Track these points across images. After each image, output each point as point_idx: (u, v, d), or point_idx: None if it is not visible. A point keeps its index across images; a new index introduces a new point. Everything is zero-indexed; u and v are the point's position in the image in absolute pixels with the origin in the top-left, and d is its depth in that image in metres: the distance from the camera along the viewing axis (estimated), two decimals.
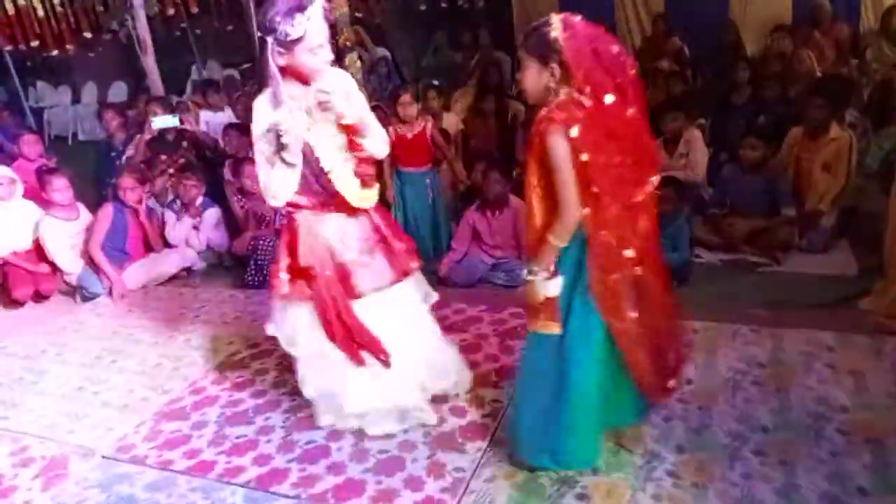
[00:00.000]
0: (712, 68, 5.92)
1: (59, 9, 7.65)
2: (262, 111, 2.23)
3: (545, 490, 2.15)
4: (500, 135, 5.43)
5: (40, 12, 7.91)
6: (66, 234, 4.44)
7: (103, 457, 2.64)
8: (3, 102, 7.90)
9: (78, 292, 4.37)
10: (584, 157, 1.77)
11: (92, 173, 5.74)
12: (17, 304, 4.36)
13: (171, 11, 7.53)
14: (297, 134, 2.18)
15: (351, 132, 2.30)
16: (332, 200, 2.35)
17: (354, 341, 2.36)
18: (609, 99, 1.78)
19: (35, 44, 8.10)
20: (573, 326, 1.96)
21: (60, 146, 9.03)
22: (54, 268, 4.46)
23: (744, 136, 4.04)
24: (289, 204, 2.33)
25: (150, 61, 6.11)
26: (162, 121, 5.05)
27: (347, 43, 5.60)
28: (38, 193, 4.71)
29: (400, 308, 2.46)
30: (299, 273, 2.35)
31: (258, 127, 2.24)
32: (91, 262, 4.33)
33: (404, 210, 4.25)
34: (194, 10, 7.46)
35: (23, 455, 2.70)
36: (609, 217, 1.85)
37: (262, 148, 2.25)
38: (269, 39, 2.09)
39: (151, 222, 4.60)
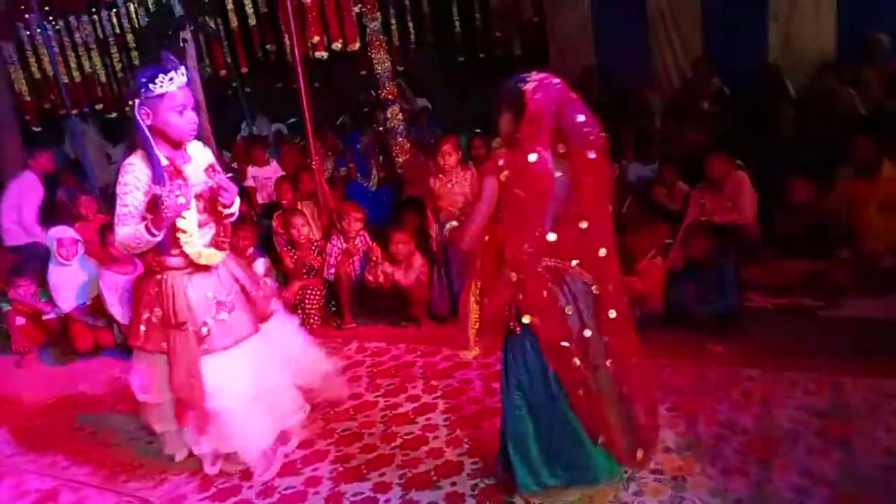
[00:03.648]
0: (754, 109, 5.85)
1: (120, 74, 8.17)
2: (139, 170, 2.40)
3: None
4: None
5: (103, 78, 8.48)
6: (123, 287, 4.62)
7: None
8: (68, 163, 8.36)
9: None
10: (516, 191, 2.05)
11: None
12: (77, 355, 4.54)
13: (222, 72, 7.95)
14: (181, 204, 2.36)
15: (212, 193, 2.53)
16: (190, 260, 2.54)
17: (187, 401, 2.55)
18: (532, 157, 2.00)
19: (99, 106, 8.66)
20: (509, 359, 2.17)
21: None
22: (111, 319, 4.63)
23: (790, 176, 3.98)
24: (157, 263, 2.54)
25: (203, 119, 6.39)
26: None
27: (389, 96, 5.79)
28: (97, 250, 4.93)
29: (266, 348, 2.70)
30: (168, 326, 2.52)
31: (130, 183, 2.41)
32: None
33: (447, 262, 4.23)
34: (244, 69, 7.86)
35: None
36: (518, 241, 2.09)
37: (129, 201, 2.42)
38: (136, 101, 2.35)
39: None
